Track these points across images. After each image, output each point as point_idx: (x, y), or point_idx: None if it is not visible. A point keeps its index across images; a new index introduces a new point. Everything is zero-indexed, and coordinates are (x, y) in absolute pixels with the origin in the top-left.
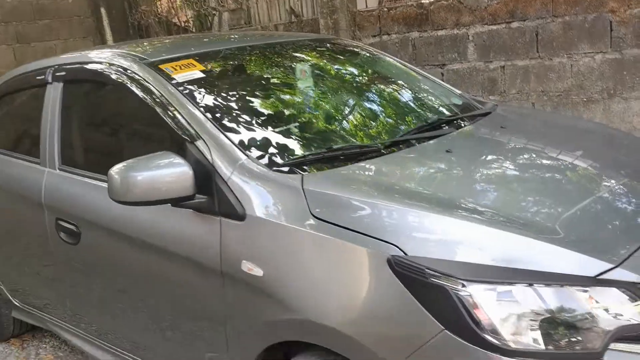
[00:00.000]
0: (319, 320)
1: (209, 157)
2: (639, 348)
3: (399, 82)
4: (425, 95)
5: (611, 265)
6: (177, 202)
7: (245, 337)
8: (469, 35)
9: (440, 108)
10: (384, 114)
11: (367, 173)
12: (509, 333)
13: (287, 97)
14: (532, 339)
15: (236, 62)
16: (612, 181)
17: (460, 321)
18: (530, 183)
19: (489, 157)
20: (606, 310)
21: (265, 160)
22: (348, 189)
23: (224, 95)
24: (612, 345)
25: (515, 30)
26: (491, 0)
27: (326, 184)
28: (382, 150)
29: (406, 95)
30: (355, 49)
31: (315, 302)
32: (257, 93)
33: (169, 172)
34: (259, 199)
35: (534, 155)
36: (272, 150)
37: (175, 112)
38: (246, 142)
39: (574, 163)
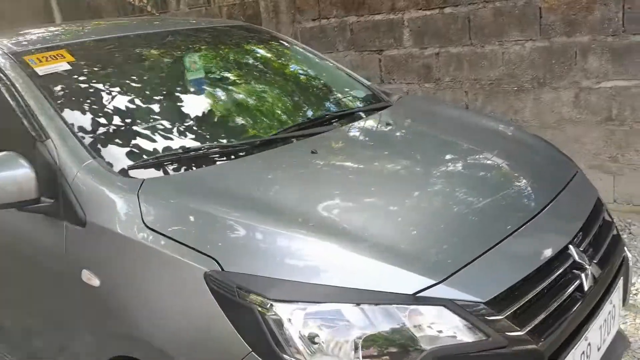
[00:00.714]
0: (145, 337)
1: (55, 157)
2: None
3: (299, 73)
4: (323, 87)
5: (432, 282)
6: (21, 205)
7: (93, 348)
8: (404, 21)
9: (335, 102)
10: (266, 109)
11: (215, 177)
12: (314, 354)
13: (158, 92)
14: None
15: (115, 54)
16: (470, 191)
17: (265, 343)
18: (378, 194)
19: (350, 162)
20: (423, 328)
21: (113, 163)
22: (186, 195)
23: (86, 90)
24: None
25: (449, 16)
26: None
27: (166, 190)
28: (247, 150)
29: (301, 88)
30: (262, 37)
31: (144, 318)
32: (124, 88)
33: (8, 174)
34: (99, 204)
35: (400, 161)
36: (125, 151)
37: (28, 107)
38: (99, 143)
39: (436, 171)
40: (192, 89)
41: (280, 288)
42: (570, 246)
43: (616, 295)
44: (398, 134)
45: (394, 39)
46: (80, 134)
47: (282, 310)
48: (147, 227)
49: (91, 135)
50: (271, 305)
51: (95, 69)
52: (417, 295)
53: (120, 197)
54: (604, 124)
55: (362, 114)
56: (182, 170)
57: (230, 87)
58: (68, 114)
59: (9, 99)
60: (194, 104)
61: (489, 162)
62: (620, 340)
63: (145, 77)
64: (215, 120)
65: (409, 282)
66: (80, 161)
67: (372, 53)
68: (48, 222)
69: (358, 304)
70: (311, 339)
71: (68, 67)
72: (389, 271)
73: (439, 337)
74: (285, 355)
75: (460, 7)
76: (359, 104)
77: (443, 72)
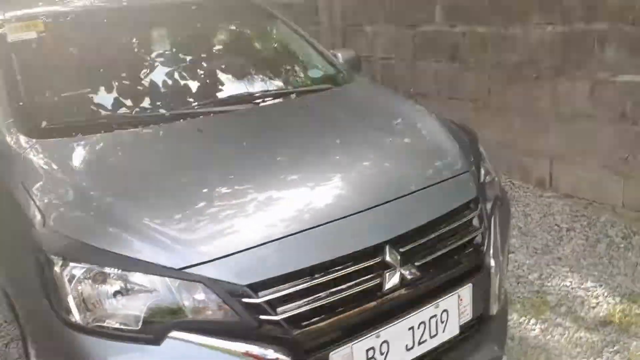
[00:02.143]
0: None
1: None
2: (192, 337)
3: (260, 49)
4: (277, 65)
5: (197, 261)
6: None
7: None
8: None
9: (280, 79)
10: (200, 82)
11: (94, 145)
12: (85, 311)
13: (100, 61)
14: (107, 318)
15: (83, 25)
16: (312, 176)
17: (53, 293)
18: (209, 177)
19: (218, 144)
20: (188, 300)
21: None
22: (59, 159)
23: (37, 57)
24: (173, 334)
25: None
26: None
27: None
28: (143, 123)
29: (251, 64)
30: (247, 12)
31: None
32: (71, 55)
33: None
34: None
35: (265, 146)
36: (38, 111)
37: None
38: (22, 101)
39: (287, 156)
40: (132, 60)
41: (78, 251)
42: (387, 246)
43: (450, 302)
44: (296, 118)
45: (427, 14)
46: (15, 93)
47: (71, 269)
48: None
49: (22, 95)
50: (65, 264)
51: (56, 38)
52: (182, 270)
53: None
54: (618, 121)
55: (293, 95)
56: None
57: (171, 59)
58: (16, 75)
59: None
60: (128, 74)
61: (363, 149)
62: (477, 346)
63: (101, 47)
64: (141, 90)
65: (180, 259)
66: (5, 118)
67: (407, 28)
68: None
69: (130, 270)
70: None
71: (33, 36)
72: (169, 248)
73: (199, 310)
74: (61, 312)
75: None
76: (305, 82)
77: (469, 53)
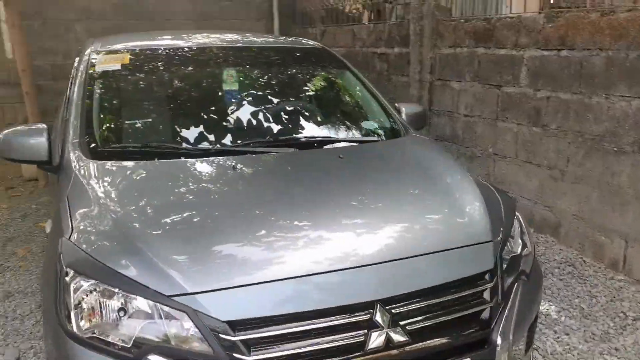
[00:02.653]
0: None
1: (65, 131)
2: None
3: (323, 97)
4: (336, 113)
5: (185, 291)
6: (38, 164)
7: None
8: (524, 59)
9: (334, 127)
10: (256, 122)
11: (141, 171)
12: (82, 323)
13: (174, 95)
14: (103, 332)
15: (165, 61)
16: (326, 228)
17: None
18: (225, 214)
19: (250, 183)
20: (173, 326)
21: (94, 143)
22: (110, 177)
23: (115, 86)
24: (151, 357)
25: (563, 59)
26: (547, 23)
27: (104, 172)
28: (192, 155)
29: (310, 109)
30: (319, 61)
31: None
32: (147, 88)
33: (31, 141)
34: (65, 164)
35: (288, 189)
36: (106, 136)
37: (69, 91)
38: (97, 126)
39: (309, 202)
40: (193, 96)
41: (89, 267)
42: (378, 304)
43: None
44: (328, 167)
45: (512, 76)
46: (87, 117)
47: (79, 282)
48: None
49: (92, 120)
50: (75, 275)
51: (139, 71)
52: (171, 297)
53: (74, 165)
54: None
55: (336, 144)
56: (130, 160)
57: (231, 99)
58: (86, 101)
59: (72, 83)
60: (186, 108)
61: (383, 205)
62: None
63: (172, 82)
64: (194, 125)
65: (171, 287)
66: (73, 138)
67: (492, 87)
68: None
69: (137, 295)
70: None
71: (117, 67)
72: (166, 276)
73: (180, 338)
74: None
75: (575, 52)
76: (354, 132)
77: (551, 118)
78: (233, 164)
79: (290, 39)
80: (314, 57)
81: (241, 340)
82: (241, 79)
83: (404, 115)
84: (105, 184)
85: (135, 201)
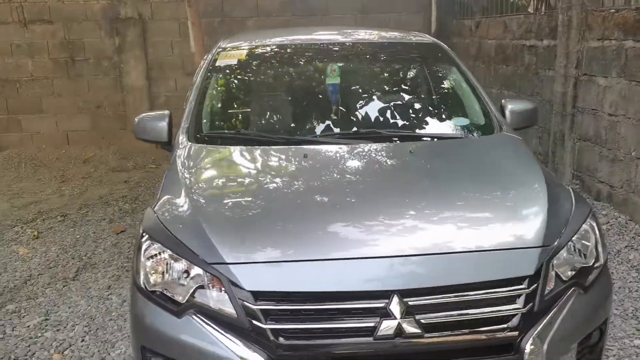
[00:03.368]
0: None
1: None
2: (201, 320)
3: (417, 88)
4: (428, 110)
5: (223, 261)
6: (162, 145)
7: None
8: None
9: (420, 123)
10: (346, 115)
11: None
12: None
13: (278, 89)
14: (165, 287)
15: (276, 57)
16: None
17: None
18: (295, 197)
19: (315, 171)
20: (210, 289)
21: (199, 129)
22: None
23: (229, 78)
24: (190, 312)
25: None
26: None
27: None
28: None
29: (397, 102)
30: (427, 57)
31: None
32: (256, 81)
33: (157, 124)
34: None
35: (350, 181)
36: (209, 124)
37: (195, 84)
38: (202, 114)
39: (368, 193)
40: (303, 91)
41: (159, 232)
42: (395, 294)
43: None
44: (398, 161)
45: None
46: (199, 104)
47: (150, 245)
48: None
49: (209, 109)
50: (147, 238)
51: (253, 65)
52: (211, 264)
53: (177, 147)
54: None
55: (419, 139)
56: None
57: (330, 92)
58: (202, 91)
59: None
60: (286, 100)
61: (437, 200)
62: None
63: (276, 76)
64: (289, 115)
65: (214, 256)
66: (184, 123)
67: (638, 85)
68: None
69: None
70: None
71: (234, 62)
72: (212, 247)
73: (215, 300)
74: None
75: None
76: (442, 128)
77: None
78: (305, 153)
79: (403, 34)
80: (420, 52)
81: (260, 309)
82: (344, 73)
83: (508, 113)
84: (193, 164)
85: (210, 181)
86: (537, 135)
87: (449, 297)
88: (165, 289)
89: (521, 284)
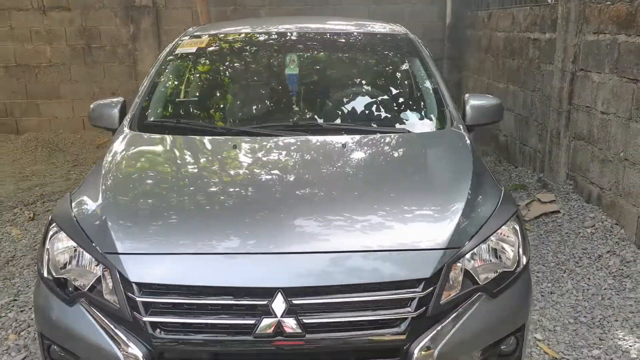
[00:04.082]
0: None
1: None
2: (90, 308)
3: (370, 80)
4: (375, 98)
5: (115, 251)
6: (113, 131)
7: None
8: None
9: (363, 114)
10: (288, 106)
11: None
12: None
13: (233, 78)
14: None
15: (237, 45)
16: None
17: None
18: (214, 189)
19: (239, 161)
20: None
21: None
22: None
23: (182, 68)
24: (81, 301)
25: None
26: None
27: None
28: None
29: (346, 93)
30: (391, 48)
31: None
32: (209, 70)
33: (109, 111)
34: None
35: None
36: (155, 112)
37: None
38: (150, 102)
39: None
40: (255, 81)
41: (65, 220)
42: (279, 292)
43: None
44: (327, 156)
45: None
46: (149, 92)
47: (53, 230)
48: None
49: (153, 95)
50: (54, 226)
51: (207, 54)
52: (104, 253)
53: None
54: None
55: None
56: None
57: (280, 83)
58: (154, 81)
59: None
60: (234, 89)
61: (350, 198)
62: None
63: (232, 67)
64: (233, 105)
65: (107, 246)
66: (131, 110)
67: (629, 81)
68: None
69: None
70: None
71: (192, 50)
72: (109, 237)
73: (105, 289)
74: None
75: None
76: (384, 123)
77: None
78: (234, 144)
79: (376, 25)
80: (386, 43)
81: (142, 302)
82: (301, 65)
83: (468, 108)
84: (121, 152)
85: (128, 169)
86: (537, 132)
87: (336, 297)
88: (65, 278)
89: (416, 287)
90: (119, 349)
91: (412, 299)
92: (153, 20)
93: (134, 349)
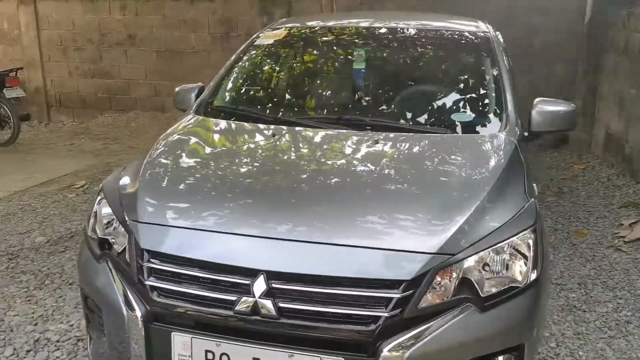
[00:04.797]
0: None
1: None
2: (111, 267)
3: (434, 80)
4: (432, 98)
5: (135, 219)
6: None
7: None
8: None
9: (413, 113)
10: (347, 101)
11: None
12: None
13: (307, 71)
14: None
15: (316, 39)
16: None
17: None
18: (247, 175)
19: (275, 151)
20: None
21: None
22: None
23: (259, 58)
24: (105, 259)
25: None
26: None
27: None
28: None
29: (406, 91)
30: (465, 46)
31: None
32: (285, 62)
33: (188, 95)
34: None
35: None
36: (231, 97)
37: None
38: (221, 88)
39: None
40: (316, 72)
41: (110, 189)
42: (262, 275)
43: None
44: (357, 152)
45: None
46: (223, 79)
47: (100, 196)
48: None
49: (225, 82)
50: (101, 192)
51: (285, 46)
52: (127, 220)
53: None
54: None
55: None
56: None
57: (347, 79)
58: (233, 67)
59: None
60: (301, 81)
61: (369, 195)
62: None
63: (303, 59)
64: (297, 97)
65: (132, 213)
66: (202, 96)
67: None
68: None
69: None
70: None
71: (270, 42)
72: (134, 207)
73: (125, 251)
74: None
75: None
76: (435, 122)
77: None
78: (273, 133)
79: (455, 21)
80: (458, 42)
81: (147, 267)
82: (371, 61)
83: (534, 113)
84: (178, 132)
85: (175, 148)
86: None
87: (315, 287)
88: (105, 238)
89: (395, 288)
90: (124, 304)
91: (390, 299)
92: (285, 12)
93: (136, 309)
